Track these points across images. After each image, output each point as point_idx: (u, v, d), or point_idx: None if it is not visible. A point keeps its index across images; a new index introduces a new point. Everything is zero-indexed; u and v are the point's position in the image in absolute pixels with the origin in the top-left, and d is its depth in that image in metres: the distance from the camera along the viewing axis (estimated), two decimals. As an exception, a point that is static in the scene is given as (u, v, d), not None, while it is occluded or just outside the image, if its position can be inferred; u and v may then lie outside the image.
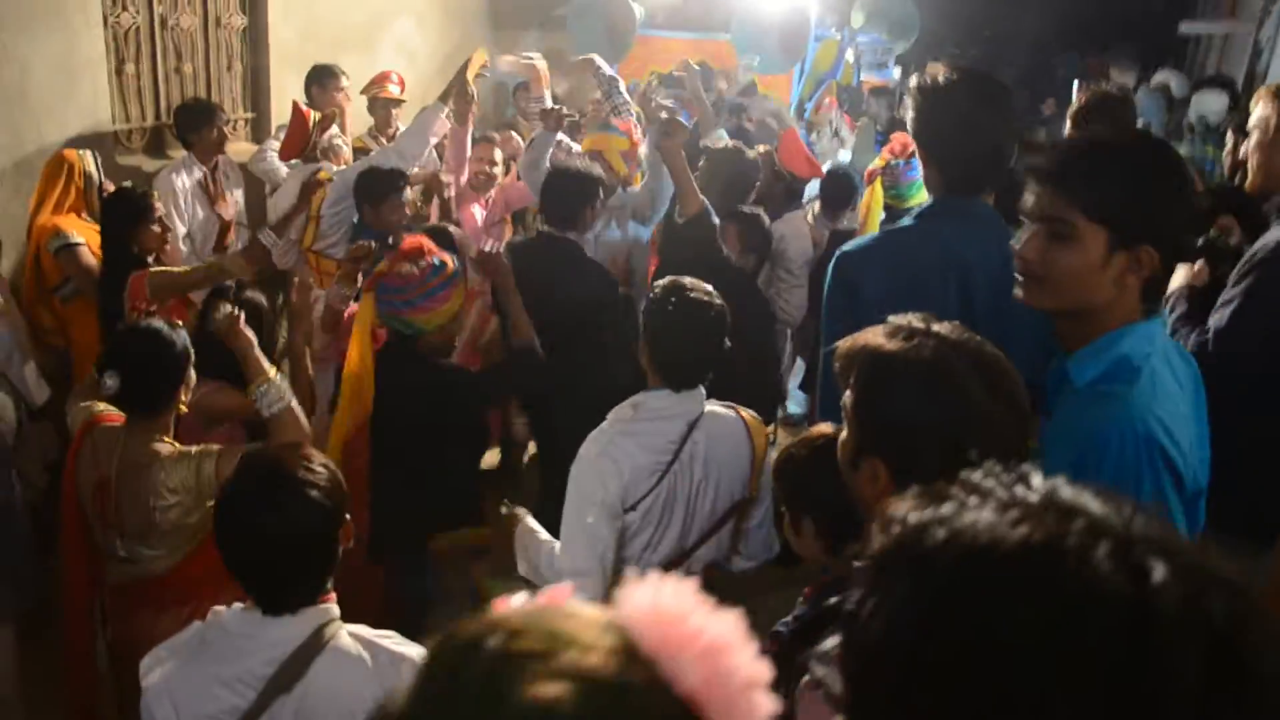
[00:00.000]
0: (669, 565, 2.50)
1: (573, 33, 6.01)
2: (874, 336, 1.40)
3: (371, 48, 6.59)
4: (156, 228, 3.76)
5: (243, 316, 2.75)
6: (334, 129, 5.07)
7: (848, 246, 2.38)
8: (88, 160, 4.30)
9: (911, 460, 1.35)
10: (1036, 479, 0.72)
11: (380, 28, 6.69)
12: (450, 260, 2.93)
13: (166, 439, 2.54)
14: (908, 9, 8.42)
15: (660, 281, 2.55)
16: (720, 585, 2.66)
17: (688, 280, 2.51)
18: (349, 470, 2.91)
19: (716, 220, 3.67)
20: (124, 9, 4.95)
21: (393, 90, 5.63)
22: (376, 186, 4.13)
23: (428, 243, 2.91)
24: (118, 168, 5.12)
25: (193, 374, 2.62)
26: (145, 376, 2.52)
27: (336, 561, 1.82)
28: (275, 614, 1.75)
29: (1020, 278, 1.66)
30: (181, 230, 4.83)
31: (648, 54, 6.55)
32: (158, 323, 2.62)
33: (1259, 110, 2.66)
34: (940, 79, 2.27)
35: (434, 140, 4.65)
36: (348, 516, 1.85)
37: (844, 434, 1.44)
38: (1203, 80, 7.38)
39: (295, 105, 4.93)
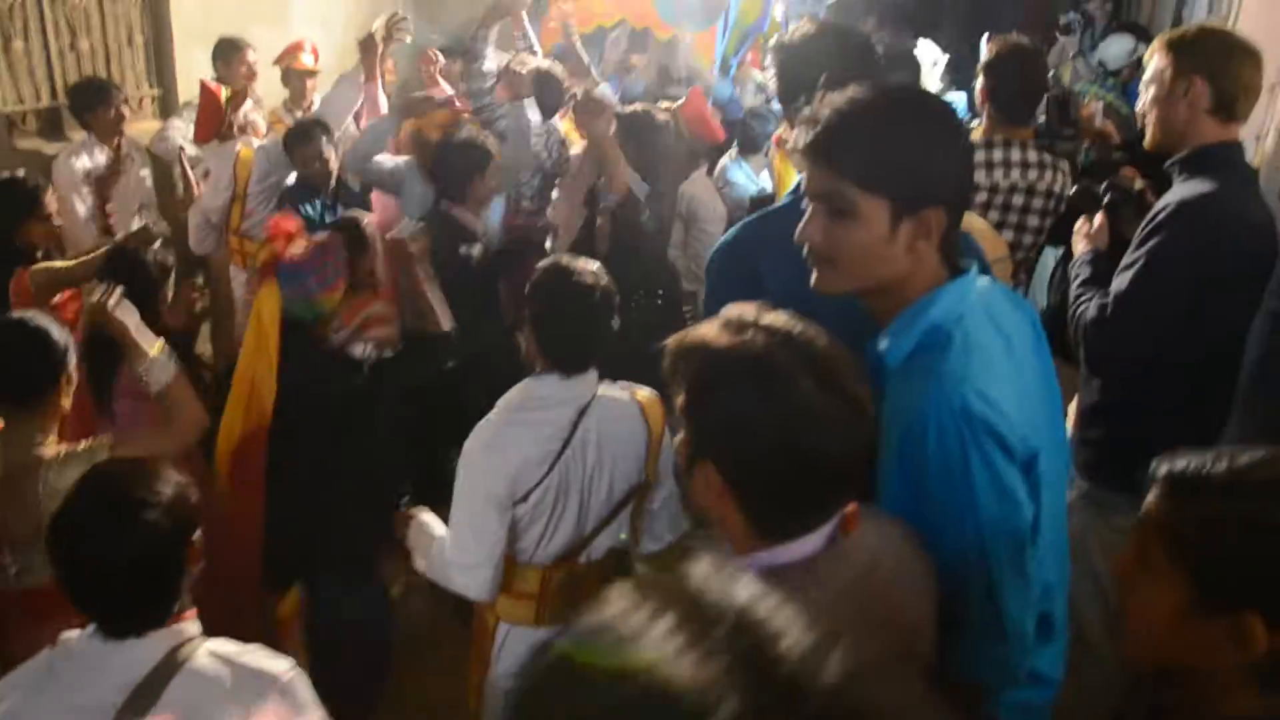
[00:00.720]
0: (567, 554, 2.45)
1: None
2: (705, 331, 1.32)
3: (284, 18, 6.35)
4: (47, 222, 3.59)
5: (117, 294, 2.61)
6: (248, 103, 4.88)
7: (739, 227, 2.23)
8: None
9: (744, 465, 1.29)
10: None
11: (291, -4, 6.45)
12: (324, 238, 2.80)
13: (50, 439, 2.43)
14: (836, -43, 8.29)
15: (543, 263, 2.47)
16: (627, 569, 2.62)
17: (571, 260, 2.43)
18: (240, 484, 2.83)
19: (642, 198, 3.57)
20: (6, -17, 4.74)
21: (306, 61, 5.38)
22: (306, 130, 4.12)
23: (295, 223, 2.76)
24: (14, 151, 4.94)
25: (73, 371, 2.51)
26: (15, 369, 2.40)
27: (185, 578, 1.74)
28: (120, 638, 1.67)
29: (811, 265, 1.58)
30: (84, 215, 4.67)
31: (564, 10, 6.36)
32: (30, 314, 2.49)
33: (1154, 63, 2.57)
34: (797, 34, 2.14)
35: (354, 106, 4.53)
36: (198, 535, 1.76)
37: (679, 438, 1.37)
38: (1111, 25, 7.32)
39: (203, 84, 4.73)
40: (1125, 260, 2.51)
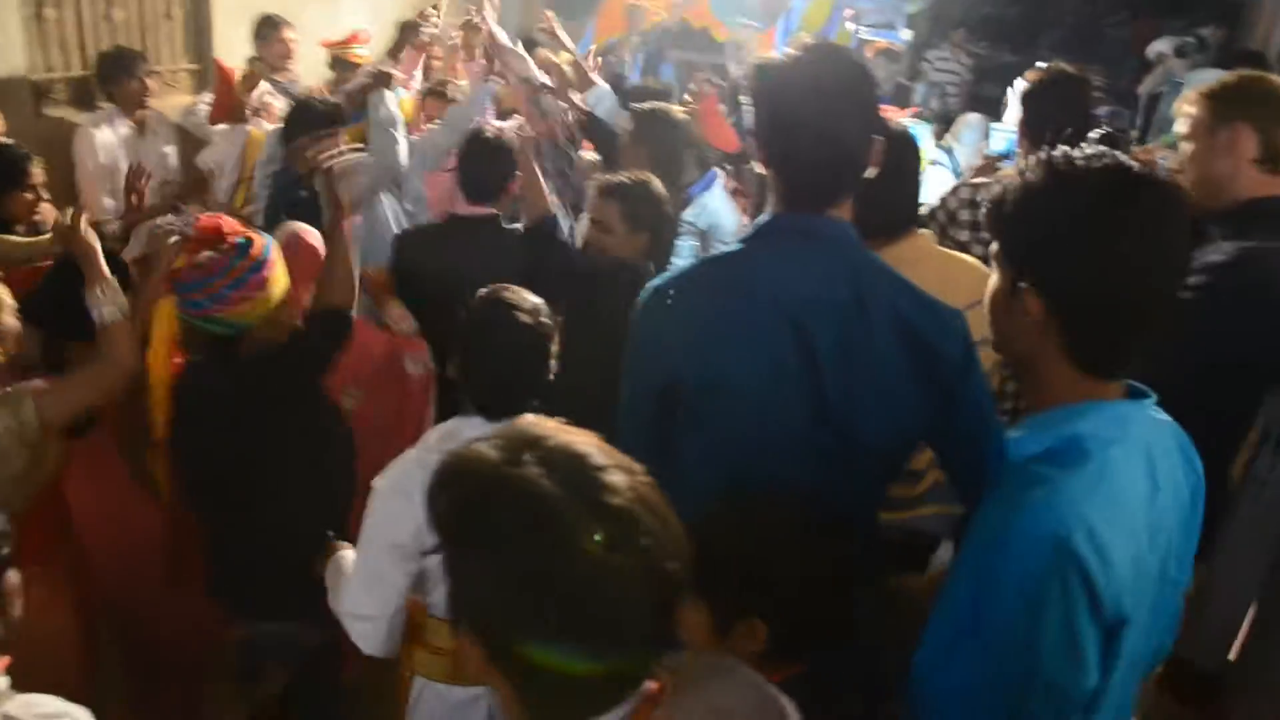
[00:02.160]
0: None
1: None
2: (480, 447, 1.04)
3: (334, 1, 6.24)
4: (29, 194, 3.49)
5: (84, 219, 2.50)
6: (264, 85, 4.77)
7: (658, 281, 1.90)
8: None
9: (489, 626, 1.02)
10: None
11: (341, -26, 6.34)
12: (258, 236, 2.47)
13: None
14: (923, -36, 7.91)
15: (482, 292, 2.24)
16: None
17: (511, 293, 2.20)
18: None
19: (565, 225, 3.31)
20: (43, -51, 4.68)
21: (360, 53, 5.31)
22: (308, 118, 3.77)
23: (228, 222, 2.50)
24: (42, 119, 4.89)
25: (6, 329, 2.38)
26: None
27: None
28: None
29: None
30: (104, 186, 4.61)
31: (617, 10, 6.15)
32: None
33: (1193, 113, 2.26)
34: (780, 57, 1.82)
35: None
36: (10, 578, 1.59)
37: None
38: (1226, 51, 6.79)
39: (218, 64, 4.65)
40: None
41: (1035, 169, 1.40)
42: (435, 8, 4.87)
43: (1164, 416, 1.48)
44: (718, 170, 4.28)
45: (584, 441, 1.04)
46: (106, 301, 2.42)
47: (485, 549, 0.98)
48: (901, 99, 7.02)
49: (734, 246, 1.88)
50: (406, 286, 3.48)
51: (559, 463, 1.00)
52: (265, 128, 4.36)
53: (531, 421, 1.10)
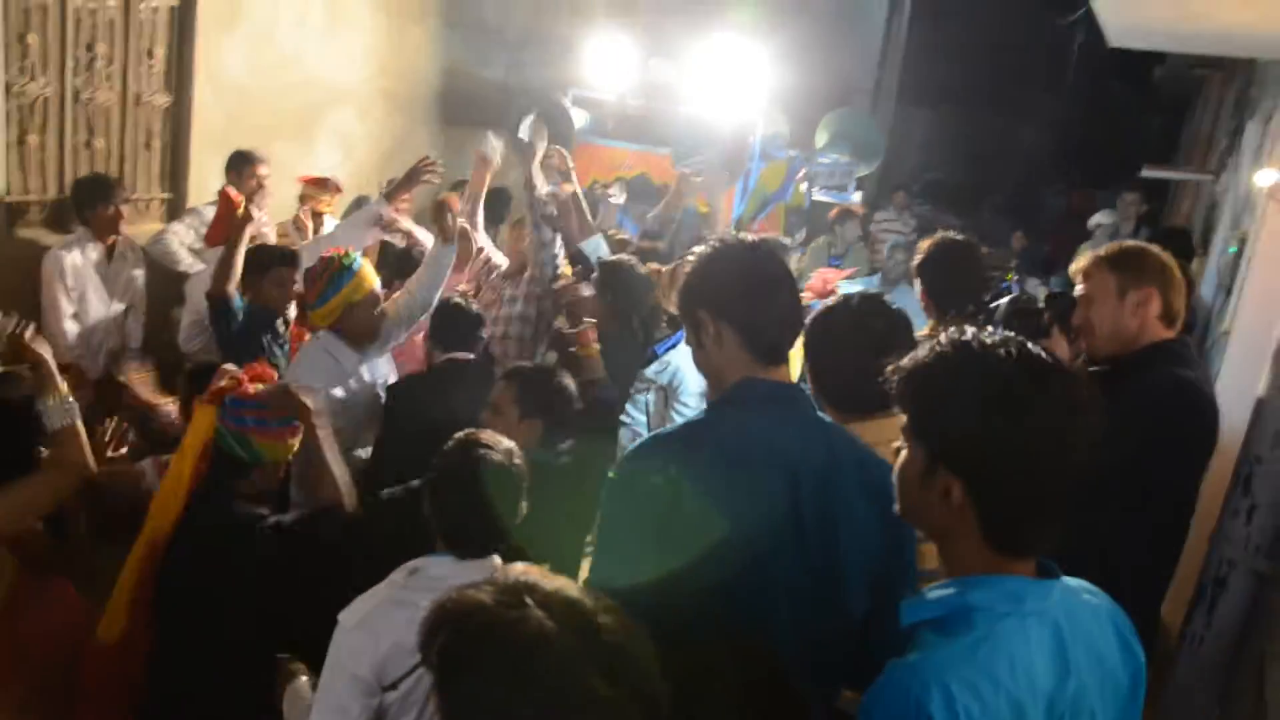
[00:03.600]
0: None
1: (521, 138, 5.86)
2: (475, 592, 1.11)
3: (308, 134, 6.45)
4: None
5: (32, 328, 2.60)
6: (262, 215, 4.89)
7: (659, 434, 2.00)
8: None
9: None
10: None
11: (317, 115, 6.55)
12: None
13: None
14: (872, 134, 8.36)
15: (458, 434, 2.32)
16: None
17: (488, 436, 2.29)
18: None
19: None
20: (31, 79, 4.81)
21: (325, 204, 5.41)
22: (263, 258, 4.04)
23: (272, 374, 2.70)
24: (15, 240, 4.95)
25: None
26: None
27: None
28: None
29: None
30: (69, 310, 4.66)
31: (589, 161, 6.43)
32: None
33: (1100, 279, 2.73)
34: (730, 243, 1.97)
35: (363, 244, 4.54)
36: None
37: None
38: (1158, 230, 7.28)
39: (224, 191, 4.76)
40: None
41: (947, 348, 1.41)
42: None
43: (1097, 600, 1.49)
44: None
45: (572, 586, 1.12)
46: (56, 408, 2.49)
47: (488, 686, 1.04)
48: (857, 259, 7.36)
49: (705, 413, 1.99)
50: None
51: (556, 607, 1.07)
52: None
53: (523, 569, 1.16)
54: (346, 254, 3.67)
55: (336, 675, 2.14)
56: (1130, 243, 2.96)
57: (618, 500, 1.87)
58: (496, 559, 2.25)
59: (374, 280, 3.72)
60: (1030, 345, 1.40)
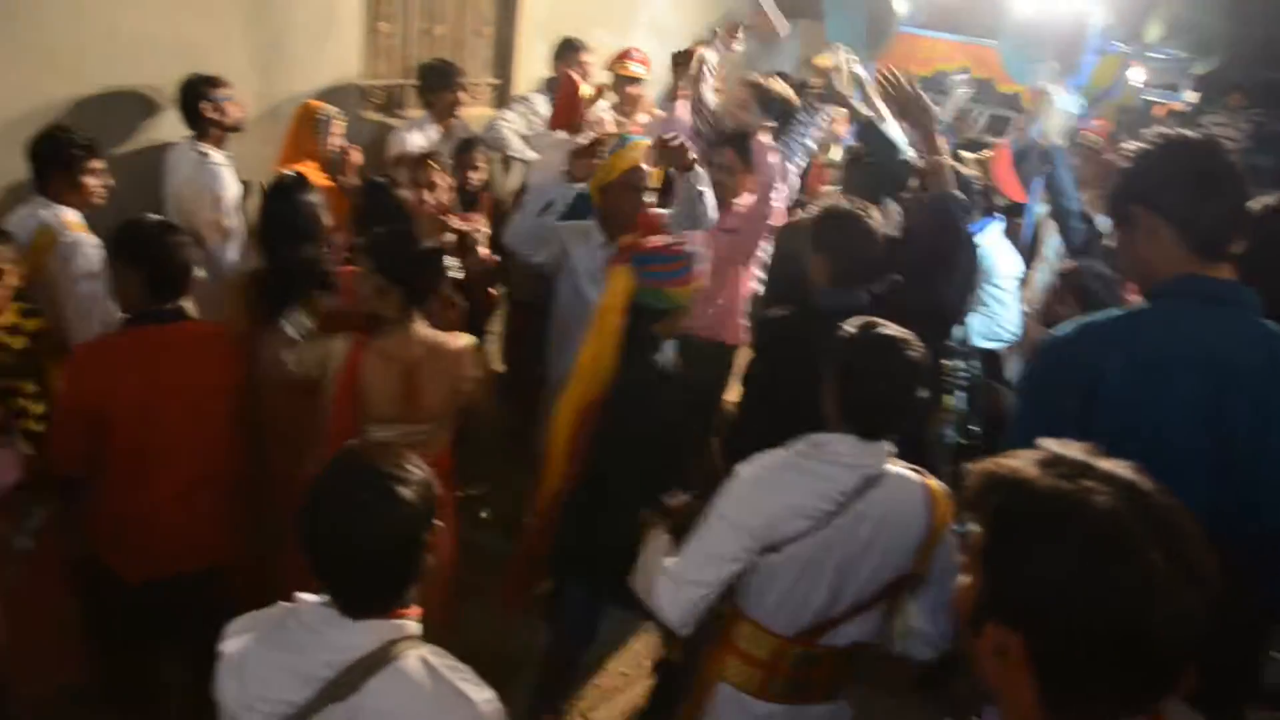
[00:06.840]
0: (810, 631, 2.25)
1: (830, 21, 5.64)
2: (1023, 465, 1.08)
3: (625, 23, 6.50)
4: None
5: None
6: (601, 102, 5.00)
7: (1079, 324, 2.00)
8: (322, 111, 4.40)
9: (1058, 640, 1.05)
10: None
11: (635, 4, 6.58)
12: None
13: None
14: (1214, 24, 7.52)
15: (856, 320, 2.28)
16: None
17: (896, 331, 2.25)
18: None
19: None
20: (382, -32, 5.06)
21: (632, 69, 5.41)
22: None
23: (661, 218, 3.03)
24: (361, 122, 5.28)
25: None
26: None
27: (418, 573, 1.69)
28: (347, 616, 1.65)
29: None
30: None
31: (909, 52, 6.10)
32: None
33: None
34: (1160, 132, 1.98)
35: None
36: (439, 524, 1.71)
37: (965, 580, 1.15)
38: None
39: (566, 75, 4.89)
40: None
41: None
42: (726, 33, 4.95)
43: None
44: (999, 216, 4.48)
45: (1125, 466, 1.09)
46: None
47: (1056, 552, 1.03)
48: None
49: (1156, 304, 1.95)
50: None
51: (1117, 486, 1.05)
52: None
53: (1071, 447, 1.12)
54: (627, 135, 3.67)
55: (726, 519, 2.19)
56: None
57: (1035, 386, 2.01)
58: (886, 444, 2.22)
59: (632, 168, 3.43)
60: None
